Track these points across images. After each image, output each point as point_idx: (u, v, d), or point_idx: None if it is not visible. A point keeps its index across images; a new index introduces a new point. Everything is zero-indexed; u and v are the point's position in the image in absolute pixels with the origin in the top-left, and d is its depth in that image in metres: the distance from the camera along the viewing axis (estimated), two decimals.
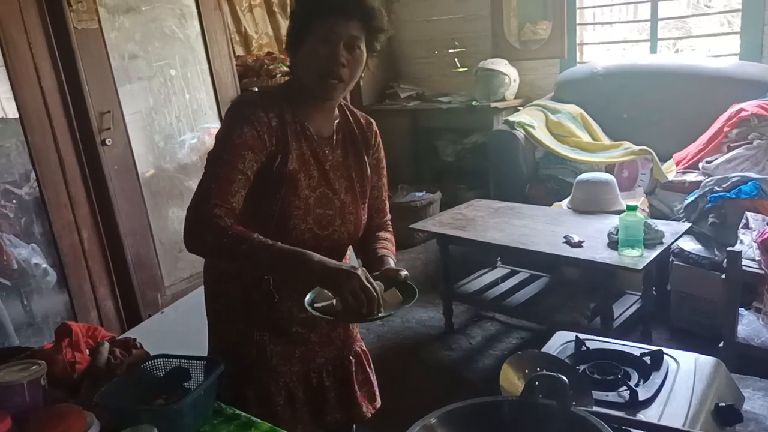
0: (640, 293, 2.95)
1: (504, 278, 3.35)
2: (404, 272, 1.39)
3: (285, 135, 1.43)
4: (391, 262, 1.51)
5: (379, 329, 3.29)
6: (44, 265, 2.85)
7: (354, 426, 1.78)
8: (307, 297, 1.35)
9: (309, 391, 1.62)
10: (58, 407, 1.20)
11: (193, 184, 3.12)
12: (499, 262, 3.51)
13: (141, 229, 2.91)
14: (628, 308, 2.90)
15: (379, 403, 1.75)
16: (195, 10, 3.10)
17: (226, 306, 1.59)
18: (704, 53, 4.41)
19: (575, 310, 2.96)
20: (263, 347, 1.56)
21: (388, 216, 1.72)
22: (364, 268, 1.28)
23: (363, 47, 1.42)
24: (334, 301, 1.32)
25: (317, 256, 1.29)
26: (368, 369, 1.75)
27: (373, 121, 1.67)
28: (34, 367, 1.27)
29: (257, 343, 1.55)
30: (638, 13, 4.50)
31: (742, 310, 2.55)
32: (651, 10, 4.08)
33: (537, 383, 1.24)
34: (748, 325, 2.49)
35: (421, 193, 4.51)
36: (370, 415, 1.70)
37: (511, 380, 1.36)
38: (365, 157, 1.60)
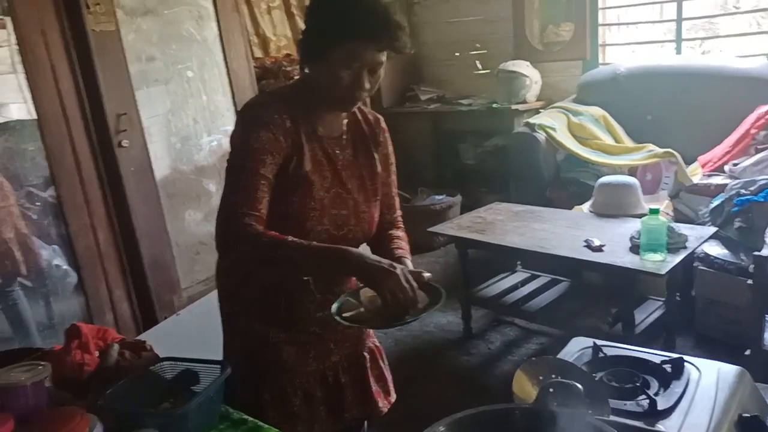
0: (663, 299, 2.88)
1: (524, 282, 3.30)
2: (427, 274, 1.37)
3: (299, 137, 1.42)
4: (409, 263, 1.50)
5: (398, 333, 3.25)
6: (65, 267, 2.87)
7: (366, 423, 1.76)
8: (334, 306, 1.36)
9: (326, 389, 1.62)
10: (61, 410, 1.19)
11: (211, 186, 3.16)
12: (519, 267, 3.45)
13: (157, 231, 2.92)
14: (650, 314, 2.83)
15: (394, 397, 1.76)
16: (213, 12, 3.11)
17: (242, 308, 1.59)
18: (732, 54, 4.30)
19: (596, 316, 2.90)
20: (279, 348, 1.55)
21: (399, 212, 1.71)
22: (403, 266, 1.28)
23: (383, 68, 1.41)
24: (362, 309, 1.33)
25: (356, 251, 1.31)
26: (382, 364, 1.75)
27: (380, 117, 1.66)
28: (39, 368, 1.25)
29: (273, 345, 1.55)
30: (663, 14, 4.40)
31: None
32: (676, 10, 4.00)
33: (551, 390, 1.20)
34: None
35: (441, 197, 4.47)
36: (386, 410, 1.70)
37: (525, 387, 1.32)
38: (375, 155, 1.60)
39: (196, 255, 3.08)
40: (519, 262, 3.45)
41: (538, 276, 3.35)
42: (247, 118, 1.40)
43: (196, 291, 3.04)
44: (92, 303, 2.60)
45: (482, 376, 2.89)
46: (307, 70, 1.44)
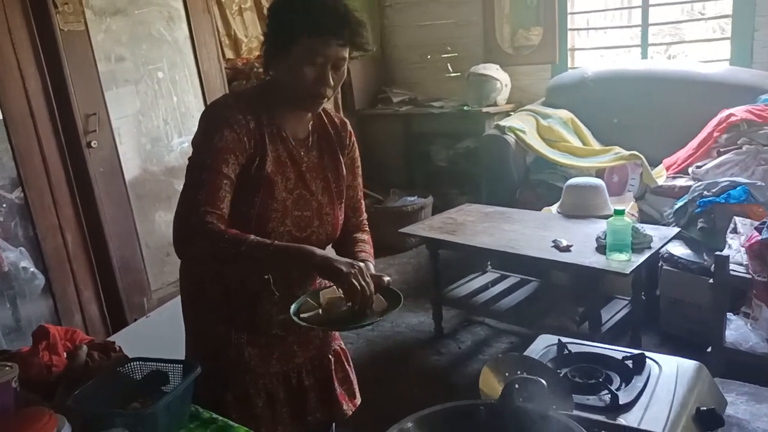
0: (629, 298, 2.95)
1: (493, 283, 3.34)
2: (387, 278, 1.40)
3: (262, 137, 1.43)
4: (372, 267, 1.51)
5: (369, 334, 3.27)
6: (32, 269, 2.83)
7: (333, 426, 1.77)
8: (292, 307, 1.38)
9: (289, 391, 1.63)
10: (29, 410, 1.18)
11: (179, 187, 3.13)
12: (489, 267, 3.49)
13: (127, 232, 2.89)
14: (616, 313, 2.89)
15: (359, 400, 1.76)
16: (183, 13, 3.09)
17: (205, 309, 1.59)
18: (696, 59, 4.41)
19: (564, 315, 2.95)
20: (241, 350, 1.55)
21: (365, 215, 1.73)
22: (364, 264, 1.32)
23: (346, 65, 1.43)
24: (320, 311, 1.35)
25: (318, 250, 1.34)
26: (347, 367, 1.76)
27: (347, 121, 1.68)
28: (6, 369, 1.25)
29: (235, 346, 1.55)
30: (631, 19, 4.50)
31: (730, 315, 2.54)
32: (642, 15, 4.09)
33: (516, 386, 1.23)
34: (736, 330, 2.47)
35: (413, 198, 4.50)
36: (350, 413, 1.71)
37: (491, 384, 1.34)
38: (341, 158, 1.61)
39: (166, 257, 3.05)
40: (489, 263, 3.50)
41: (508, 276, 3.40)
42: (211, 117, 1.41)
43: (166, 293, 3.01)
44: (60, 305, 2.56)
45: (452, 376, 2.92)
46: (271, 72, 1.45)
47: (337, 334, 1.74)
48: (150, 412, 1.24)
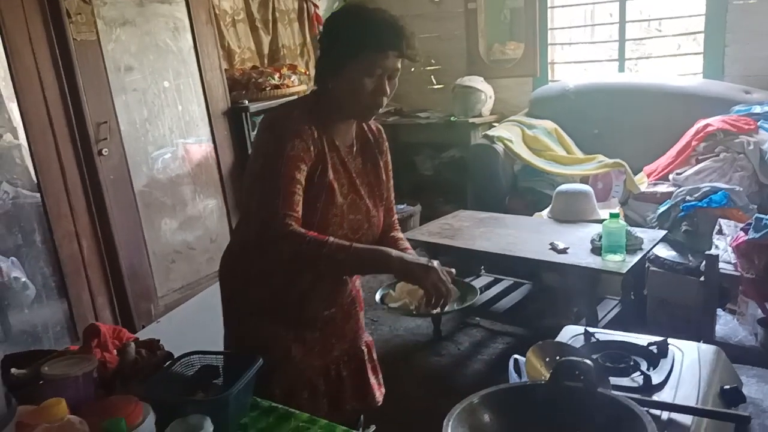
0: (619, 298, 3.10)
1: (487, 286, 3.46)
2: (453, 270, 1.49)
3: (323, 146, 1.52)
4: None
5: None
6: (24, 279, 2.83)
7: (362, 417, 1.86)
8: (378, 296, 1.54)
9: (328, 383, 1.71)
10: (117, 398, 1.24)
11: (186, 195, 3.18)
12: (483, 271, 3.61)
13: (135, 239, 2.93)
14: (608, 312, 3.03)
15: (384, 389, 1.86)
16: (188, 24, 3.15)
17: (249, 309, 1.65)
18: (662, 72, 4.64)
19: (558, 315, 3.08)
20: (287, 346, 1.63)
21: (396, 216, 1.83)
22: (438, 261, 1.40)
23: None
24: (407, 300, 1.49)
25: (395, 252, 1.44)
26: (374, 358, 1.86)
27: (381, 127, 1.78)
28: (86, 361, 1.30)
29: (282, 344, 1.63)
30: (611, 35, 4.70)
31: (718, 311, 2.70)
32: (619, 31, 4.30)
33: (563, 368, 1.34)
34: (725, 325, 2.64)
35: (402, 206, 4.60)
36: (381, 401, 1.81)
37: (535, 366, 1.45)
38: (380, 163, 1.71)
39: (171, 264, 3.09)
40: (483, 267, 3.62)
41: (502, 279, 3.52)
42: (281, 127, 1.48)
43: (172, 299, 3.05)
44: (75, 310, 2.59)
45: (454, 376, 3.02)
46: (330, 85, 1.53)
47: (364, 327, 1.85)
48: (222, 399, 1.31)
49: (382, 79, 1.47)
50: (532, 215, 3.57)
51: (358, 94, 1.47)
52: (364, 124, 1.70)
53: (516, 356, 1.64)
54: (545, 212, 3.50)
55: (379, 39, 1.44)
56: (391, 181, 1.79)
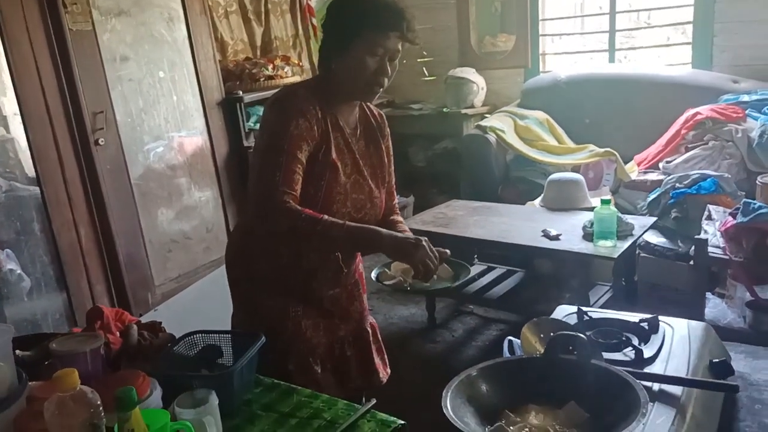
0: (610, 284, 3.15)
1: (481, 274, 3.50)
2: (447, 251, 1.55)
3: (327, 126, 1.56)
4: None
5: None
6: (18, 271, 2.84)
7: (363, 396, 1.90)
8: (373, 274, 1.60)
9: (334, 361, 1.76)
10: (125, 372, 1.27)
11: (182, 184, 3.21)
12: (476, 259, 3.65)
13: (132, 229, 2.94)
14: (600, 297, 3.08)
15: (389, 370, 1.91)
16: (182, 14, 3.17)
17: (262, 286, 1.69)
18: (652, 63, 4.70)
19: (551, 301, 3.12)
20: (298, 321, 1.67)
21: (396, 200, 1.88)
22: (425, 238, 1.44)
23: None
24: (401, 277, 1.56)
25: (385, 231, 1.48)
26: (379, 339, 1.91)
27: (383, 113, 1.82)
28: (94, 338, 1.33)
29: (293, 318, 1.67)
30: (600, 26, 4.75)
31: (708, 294, 2.76)
32: (609, 22, 4.35)
33: (559, 341, 1.38)
34: (714, 308, 2.70)
35: None
36: (385, 380, 1.86)
37: (530, 342, 1.50)
38: (382, 146, 1.75)
39: (168, 253, 3.11)
40: (476, 255, 3.66)
41: (495, 267, 3.56)
42: (285, 106, 1.53)
43: (169, 288, 3.07)
44: (74, 299, 2.61)
45: (450, 360, 3.07)
46: (333, 66, 1.57)
47: (368, 310, 1.89)
48: (226, 374, 1.34)
49: (383, 60, 1.52)
50: (524, 204, 3.61)
51: (361, 73, 1.52)
52: (367, 109, 1.75)
53: (510, 337, 1.68)
54: (537, 201, 3.54)
55: (381, 19, 1.49)
56: (393, 166, 1.84)
